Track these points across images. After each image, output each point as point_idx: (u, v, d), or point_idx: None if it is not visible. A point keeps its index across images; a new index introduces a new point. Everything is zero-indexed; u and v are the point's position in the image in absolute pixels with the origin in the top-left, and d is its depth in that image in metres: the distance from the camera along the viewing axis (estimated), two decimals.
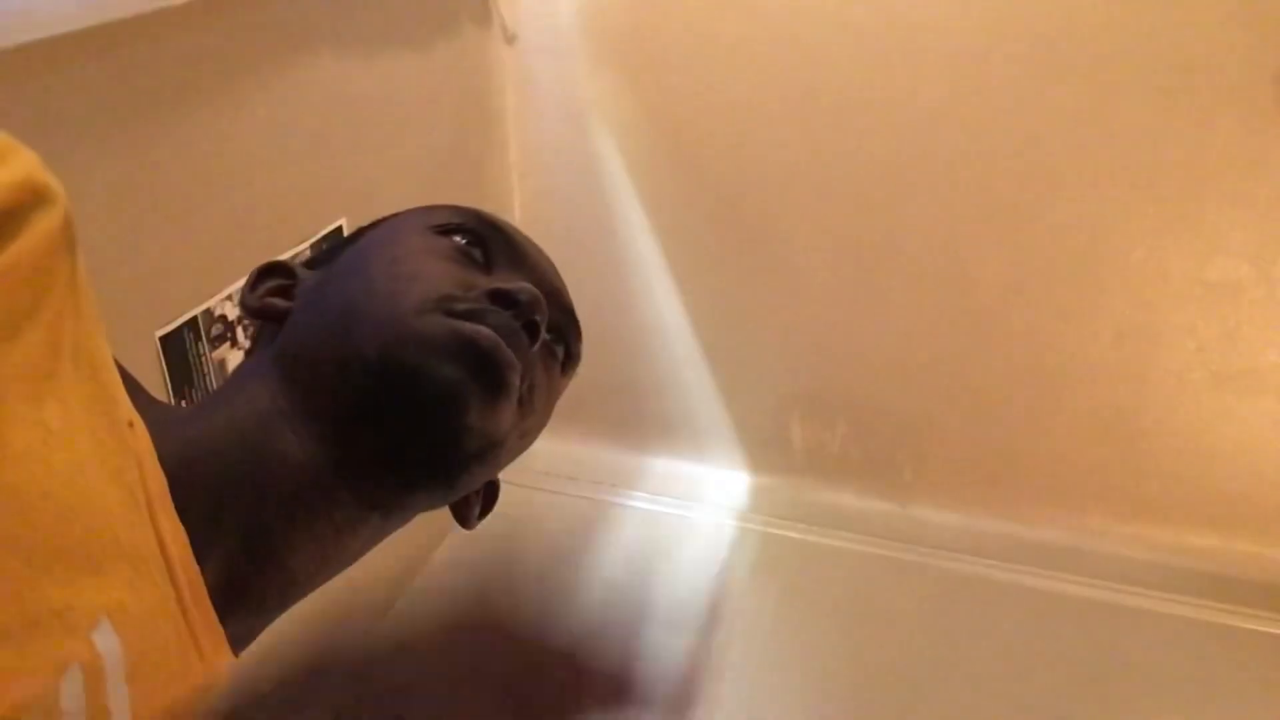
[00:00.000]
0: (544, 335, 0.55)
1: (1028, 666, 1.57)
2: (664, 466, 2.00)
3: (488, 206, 1.90)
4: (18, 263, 0.36)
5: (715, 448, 1.98)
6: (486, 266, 0.58)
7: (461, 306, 0.51)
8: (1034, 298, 1.67)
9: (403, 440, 0.51)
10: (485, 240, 0.59)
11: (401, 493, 0.54)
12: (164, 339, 1.11)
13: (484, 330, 0.50)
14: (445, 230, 0.59)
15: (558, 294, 0.61)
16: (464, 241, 0.59)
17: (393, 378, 0.50)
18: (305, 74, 1.29)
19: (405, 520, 0.57)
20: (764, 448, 1.95)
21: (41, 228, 0.38)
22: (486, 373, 0.50)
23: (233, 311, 1.20)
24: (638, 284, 1.88)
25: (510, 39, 1.75)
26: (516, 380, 0.52)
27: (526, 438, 0.58)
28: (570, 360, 0.63)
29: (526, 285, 0.54)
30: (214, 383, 1.19)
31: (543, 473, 1.95)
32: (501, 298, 0.53)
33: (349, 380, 0.51)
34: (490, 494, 0.64)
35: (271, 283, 0.61)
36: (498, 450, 0.54)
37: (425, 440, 0.51)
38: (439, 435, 0.51)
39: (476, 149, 1.78)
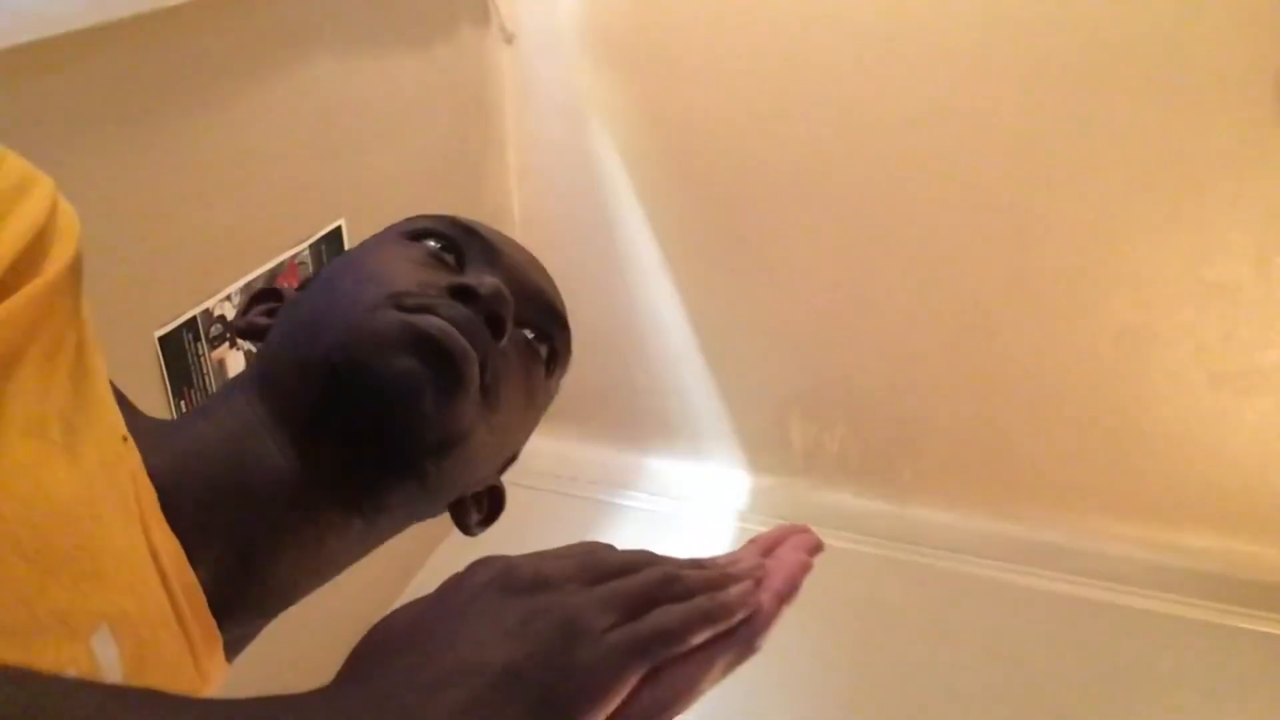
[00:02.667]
0: (511, 328, 0.55)
1: (1026, 666, 1.57)
2: (664, 466, 2.00)
3: (487, 206, 1.90)
4: (37, 293, 0.37)
5: (715, 448, 1.98)
6: (459, 269, 0.59)
7: (412, 301, 0.52)
8: (1033, 298, 1.67)
9: (362, 436, 0.52)
10: (458, 244, 0.59)
11: (372, 491, 0.54)
12: (163, 339, 1.11)
13: (433, 320, 0.51)
14: (418, 235, 0.59)
15: (540, 293, 0.61)
16: (438, 246, 0.59)
17: (347, 375, 0.51)
18: (305, 74, 1.29)
19: (394, 526, 0.57)
20: (763, 448, 1.96)
21: (63, 258, 0.39)
22: (440, 362, 0.50)
23: (232, 312, 1.20)
24: (637, 284, 1.87)
25: (509, 39, 1.75)
26: (473, 370, 0.52)
27: (503, 435, 0.57)
28: (556, 360, 0.62)
29: (489, 279, 0.54)
30: (213, 382, 1.19)
31: (543, 473, 1.95)
32: (462, 292, 0.53)
33: (309, 383, 0.52)
34: (495, 501, 0.64)
35: (262, 306, 0.62)
36: (463, 444, 0.54)
37: (383, 434, 0.51)
38: (395, 427, 0.51)
39: (476, 149, 1.78)
